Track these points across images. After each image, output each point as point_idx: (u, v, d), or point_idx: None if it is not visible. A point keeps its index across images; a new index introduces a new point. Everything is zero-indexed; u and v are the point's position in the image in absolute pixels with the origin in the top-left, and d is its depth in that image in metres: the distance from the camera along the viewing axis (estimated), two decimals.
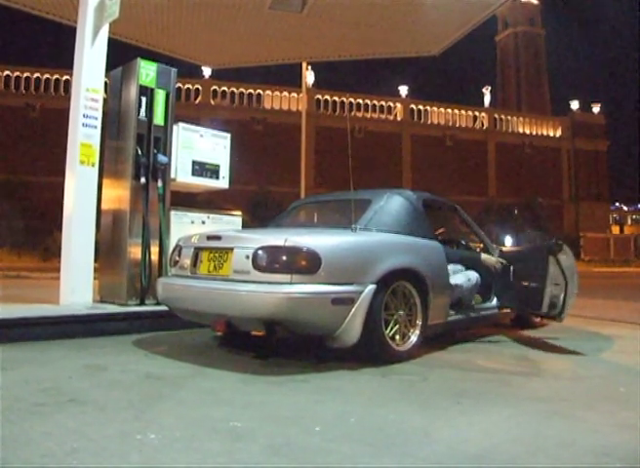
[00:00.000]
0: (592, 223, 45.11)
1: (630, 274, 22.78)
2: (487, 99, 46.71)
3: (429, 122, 44.14)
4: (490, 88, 47.39)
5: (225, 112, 37.07)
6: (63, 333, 3.86)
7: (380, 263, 3.24)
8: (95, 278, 4.71)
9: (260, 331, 3.35)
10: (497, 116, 46.82)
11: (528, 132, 47.10)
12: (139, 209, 4.72)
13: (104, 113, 4.79)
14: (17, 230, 22.97)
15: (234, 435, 1.91)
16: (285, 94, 40.29)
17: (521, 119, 48.23)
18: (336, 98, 41.35)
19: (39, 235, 22.78)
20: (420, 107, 44.00)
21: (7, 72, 35.59)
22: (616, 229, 56.60)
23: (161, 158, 4.82)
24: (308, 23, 6.93)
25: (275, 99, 40.46)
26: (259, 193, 34.56)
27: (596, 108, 48.76)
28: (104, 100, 4.80)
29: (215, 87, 39.06)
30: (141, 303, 4.64)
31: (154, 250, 4.78)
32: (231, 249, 3.24)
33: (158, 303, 4.20)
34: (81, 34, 4.73)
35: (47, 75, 36.31)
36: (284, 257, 3.00)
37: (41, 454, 1.69)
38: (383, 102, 43.13)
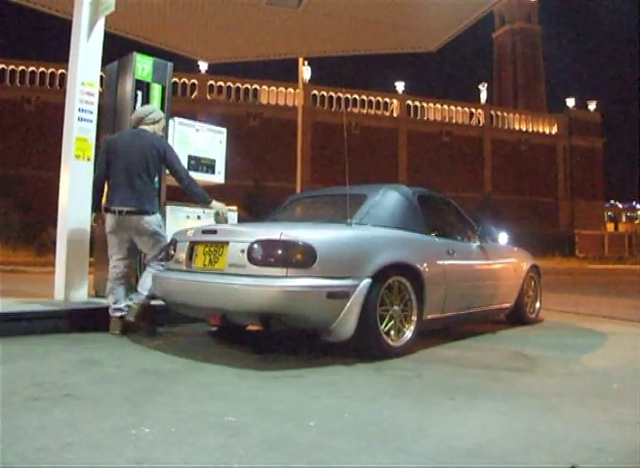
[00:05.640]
0: (587, 220, 45.24)
1: (624, 271, 22.84)
2: (483, 96, 46.69)
3: (425, 118, 44.10)
4: (486, 84, 47.37)
5: (222, 107, 36.95)
6: (58, 328, 3.86)
7: (376, 258, 3.24)
8: (90, 273, 4.70)
9: (255, 325, 3.36)
10: (493, 113, 46.86)
11: (524, 129, 47.13)
12: None
13: (100, 107, 4.77)
14: (11, 224, 22.84)
15: (229, 430, 1.92)
16: (281, 89, 40.17)
17: (517, 116, 48.23)
18: (332, 94, 41.26)
19: (34, 229, 22.68)
20: (417, 103, 43.96)
21: (2, 65, 35.34)
22: (610, 226, 56.68)
23: None
24: (305, 19, 6.92)
25: (272, 95, 40.34)
26: (254, 188, 34.51)
27: (592, 106, 48.83)
28: (100, 95, 4.78)
29: (211, 82, 38.92)
30: None
31: None
32: (227, 242, 3.24)
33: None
34: (77, 28, 4.70)
35: (43, 69, 36.06)
36: (279, 251, 3.00)
37: (36, 449, 1.69)
38: (380, 98, 43.03)
